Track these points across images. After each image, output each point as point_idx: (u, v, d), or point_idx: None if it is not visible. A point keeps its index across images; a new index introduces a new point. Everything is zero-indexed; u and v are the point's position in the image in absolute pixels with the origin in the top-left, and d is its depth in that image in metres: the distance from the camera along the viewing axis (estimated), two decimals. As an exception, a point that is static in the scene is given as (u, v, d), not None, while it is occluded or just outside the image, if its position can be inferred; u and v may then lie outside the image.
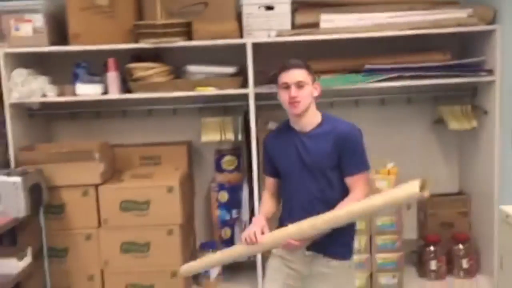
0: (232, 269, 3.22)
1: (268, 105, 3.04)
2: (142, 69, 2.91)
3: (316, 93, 2.07)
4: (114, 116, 3.31)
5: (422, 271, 3.22)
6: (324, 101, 3.14)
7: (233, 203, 3.26)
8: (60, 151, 2.93)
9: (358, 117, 3.34)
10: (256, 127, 2.98)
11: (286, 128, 2.14)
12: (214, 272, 3.15)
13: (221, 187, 3.27)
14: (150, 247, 2.89)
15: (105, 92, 2.95)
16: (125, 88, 2.99)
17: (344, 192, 2.02)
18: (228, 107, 3.22)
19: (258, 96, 2.96)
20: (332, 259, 2.04)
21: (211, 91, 2.96)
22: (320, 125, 2.06)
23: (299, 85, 1.99)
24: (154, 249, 2.89)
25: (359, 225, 2.93)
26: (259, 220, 2.10)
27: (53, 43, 2.89)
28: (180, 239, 2.91)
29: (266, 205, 2.20)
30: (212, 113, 3.24)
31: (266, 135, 2.25)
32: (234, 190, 3.26)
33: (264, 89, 2.94)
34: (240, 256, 2.22)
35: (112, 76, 2.92)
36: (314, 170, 2.02)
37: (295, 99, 1.98)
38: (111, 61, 2.91)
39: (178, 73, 3.08)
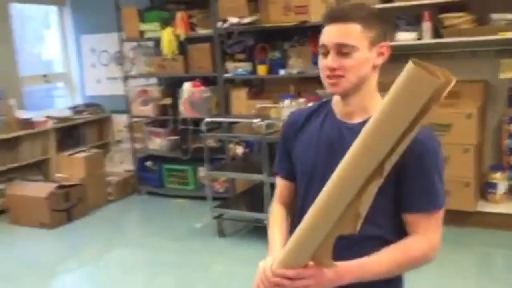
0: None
1: None
2: (452, 18, 3.61)
3: (380, 61, 1.28)
4: (421, 58, 4.10)
5: None
6: None
7: (523, 134, 3.75)
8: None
9: None
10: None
11: (325, 109, 1.39)
12: (502, 188, 3.75)
13: (513, 119, 3.78)
14: (448, 161, 3.67)
15: (419, 38, 3.77)
16: (434, 35, 3.74)
17: (396, 233, 1.26)
18: (526, 50, 3.66)
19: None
20: None
21: (512, 35, 3.47)
22: None
23: (342, 51, 1.23)
24: (451, 163, 3.66)
25: None
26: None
27: (382, 1, 3.82)
28: (474, 156, 3.60)
29: (279, 229, 1.41)
30: (509, 55, 3.72)
31: (290, 113, 1.50)
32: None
33: None
34: None
35: (426, 25, 3.70)
36: None
37: (334, 72, 1.24)
38: (426, 14, 3.69)
39: (480, 20, 3.67)
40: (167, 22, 4.65)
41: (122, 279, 3.42)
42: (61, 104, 5.95)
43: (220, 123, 4.31)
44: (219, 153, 4.66)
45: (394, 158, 1.05)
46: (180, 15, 4.50)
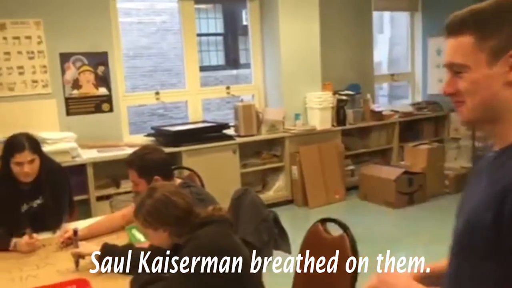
0: None
1: None
2: None
3: None
4: None
5: None
6: None
7: None
8: None
9: None
10: None
11: None
12: None
13: None
14: None
15: None
16: None
17: None
18: None
19: None
20: None
21: None
22: None
23: (455, 70, 1.02)
24: None
25: None
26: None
27: None
28: None
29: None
30: None
31: None
32: None
33: None
34: None
35: None
36: (458, 250, 1.03)
37: (452, 97, 1.05)
38: None
39: None
40: None
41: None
42: (404, 100, 6.61)
43: None
44: None
45: None
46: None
